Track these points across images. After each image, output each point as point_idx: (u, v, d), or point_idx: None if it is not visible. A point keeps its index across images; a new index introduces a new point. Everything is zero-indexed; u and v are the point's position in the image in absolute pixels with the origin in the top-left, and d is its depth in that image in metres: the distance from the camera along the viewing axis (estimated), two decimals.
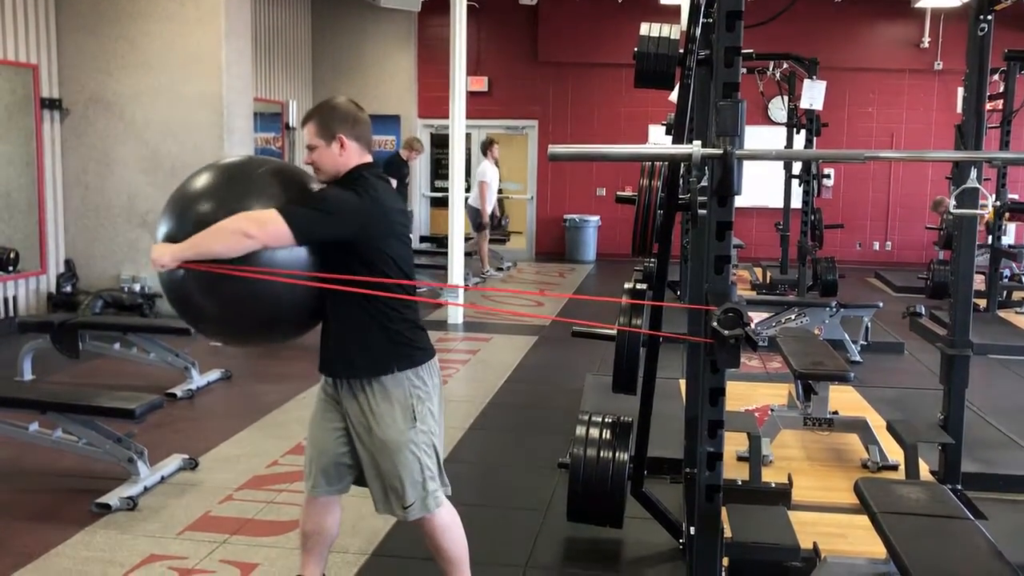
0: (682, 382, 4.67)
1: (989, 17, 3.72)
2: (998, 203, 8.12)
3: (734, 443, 4.27)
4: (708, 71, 3.43)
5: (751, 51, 7.31)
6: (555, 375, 6.64)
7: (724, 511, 2.72)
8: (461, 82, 8.65)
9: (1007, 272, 9.69)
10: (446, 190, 9.05)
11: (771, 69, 9.31)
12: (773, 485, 3.95)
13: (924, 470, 4.03)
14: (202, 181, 2.70)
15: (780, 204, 10.12)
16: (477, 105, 12.55)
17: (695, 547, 2.51)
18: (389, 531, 3.78)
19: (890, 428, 4.24)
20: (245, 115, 8.59)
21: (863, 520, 3.03)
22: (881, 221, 13.33)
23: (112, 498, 4.00)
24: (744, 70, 8.14)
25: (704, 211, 2.45)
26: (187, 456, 4.56)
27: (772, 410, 4.86)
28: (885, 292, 10.82)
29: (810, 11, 11.24)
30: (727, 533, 2.93)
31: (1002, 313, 8.63)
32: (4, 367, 6.31)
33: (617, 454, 3.54)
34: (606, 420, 3.68)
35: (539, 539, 3.80)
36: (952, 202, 2.98)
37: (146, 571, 3.45)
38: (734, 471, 4.11)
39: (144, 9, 8.15)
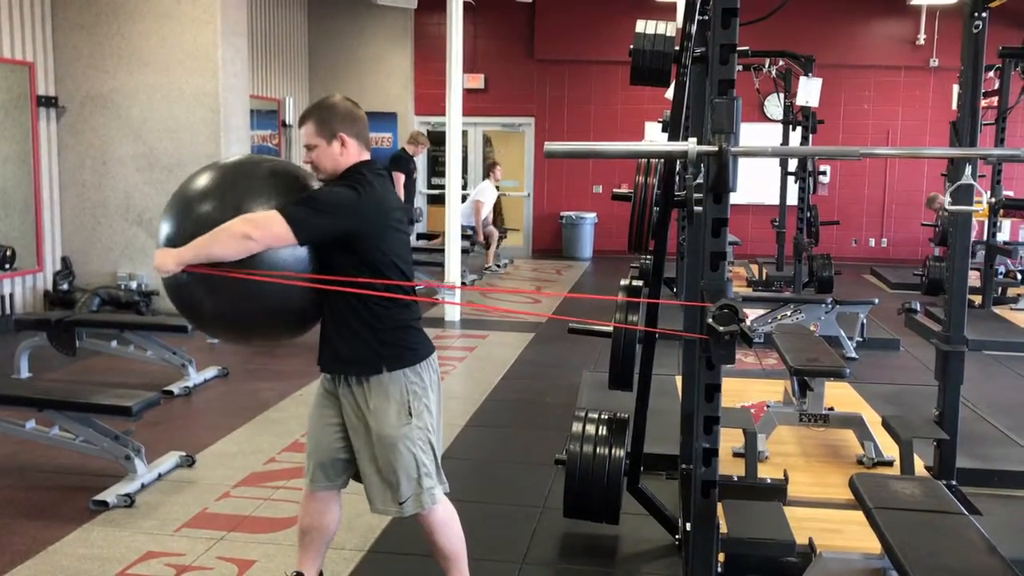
0: (678, 378, 4.68)
1: (984, 14, 3.73)
2: (993, 199, 8.14)
3: (730, 439, 4.29)
4: (704, 68, 3.44)
5: (747, 48, 7.27)
6: (552, 372, 6.65)
7: (720, 507, 2.73)
8: (457, 79, 8.65)
9: (1002, 268, 9.71)
10: (443, 187, 9.05)
11: (767, 66, 9.32)
12: (769, 481, 3.96)
13: (919, 466, 4.04)
14: (203, 182, 2.70)
15: (776, 201, 10.13)
16: (473, 102, 12.56)
17: (691, 543, 2.51)
18: (385, 528, 3.78)
19: (885, 424, 4.25)
20: (242, 113, 8.58)
21: (858, 516, 3.05)
22: (877, 218, 13.35)
23: (109, 495, 4.01)
24: (740, 67, 8.14)
25: (700, 208, 2.45)
26: (184, 453, 4.56)
27: (768, 406, 4.87)
28: (881, 288, 10.84)
29: (806, 8, 11.24)
30: (723, 529, 2.94)
31: (997, 309, 8.65)
32: (1, 365, 6.31)
33: (613, 450, 3.55)
34: (602, 416, 3.69)
35: (536, 535, 3.81)
36: (947, 199, 2.98)
37: (143, 568, 3.45)
38: (730, 467, 4.13)
39: (141, 7, 8.13)
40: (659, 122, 8.51)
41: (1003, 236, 10.67)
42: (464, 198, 10.91)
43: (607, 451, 3.55)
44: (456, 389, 6.19)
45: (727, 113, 2.22)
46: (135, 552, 3.57)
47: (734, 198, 2.35)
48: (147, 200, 8.22)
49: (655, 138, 10.89)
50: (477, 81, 13.33)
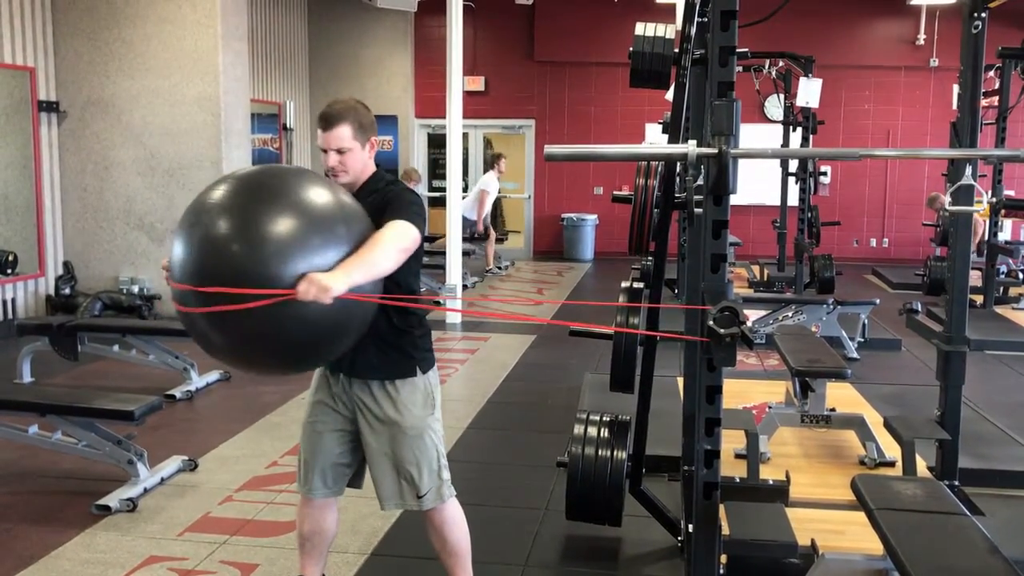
0: (680, 380, 4.68)
1: (984, 14, 3.73)
2: (994, 199, 8.14)
3: (732, 441, 4.28)
4: (703, 70, 3.44)
5: (746, 50, 7.31)
6: (553, 374, 6.65)
7: (722, 508, 2.73)
8: (458, 82, 8.66)
9: (1003, 268, 9.71)
10: (443, 190, 9.05)
11: (767, 67, 9.33)
12: (771, 482, 3.96)
13: (921, 466, 4.04)
14: (320, 201, 2.43)
15: (777, 202, 10.13)
16: (474, 105, 12.58)
17: (693, 544, 2.52)
18: (388, 531, 3.79)
19: (887, 424, 4.25)
20: (243, 116, 8.59)
21: (860, 516, 3.04)
22: (878, 218, 13.35)
23: (112, 500, 4.01)
24: (740, 68, 8.16)
25: (700, 210, 2.46)
26: (187, 457, 4.57)
27: (770, 407, 4.87)
28: (882, 289, 10.84)
29: (806, 9, 11.24)
30: (725, 530, 2.95)
31: (999, 309, 8.65)
32: (3, 370, 6.32)
33: (615, 452, 3.55)
34: (604, 419, 3.69)
35: (538, 538, 3.81)
36: (948, 199, 2.98)
37: (146, 572, 3.46)
38: (732, 468, 4.13)
39: (141, 12, 8.15)
40: (660, 124, 8.51)
41: (1004, 236, 10.68)
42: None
43: (609, 453, 3.55)
44: (458, 391, 6.19)
45: (727, 115, 2.22)
46: (138, 556, 3.58)
47: (735, 199, 2.35)
48: (148, 204, 8.23)
49: (655, 140, 10.89)
50: (477, 83, 13.34)
